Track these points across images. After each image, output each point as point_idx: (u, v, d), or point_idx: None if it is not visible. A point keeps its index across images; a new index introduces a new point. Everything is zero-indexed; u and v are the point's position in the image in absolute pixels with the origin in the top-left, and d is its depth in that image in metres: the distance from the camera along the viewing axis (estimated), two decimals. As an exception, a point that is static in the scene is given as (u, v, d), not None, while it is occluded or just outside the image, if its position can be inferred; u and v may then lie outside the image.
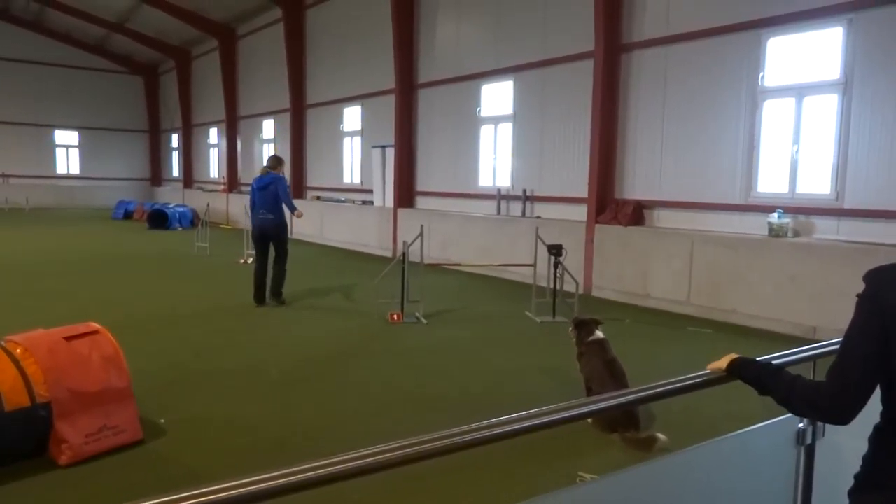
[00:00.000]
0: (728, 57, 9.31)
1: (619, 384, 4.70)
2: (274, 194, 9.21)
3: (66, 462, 4.14)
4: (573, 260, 9.83)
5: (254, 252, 9.96)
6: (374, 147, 16.62)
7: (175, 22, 23.68)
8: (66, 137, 31.20)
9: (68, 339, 4.41)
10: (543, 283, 9.22)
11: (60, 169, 31.25)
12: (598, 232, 10.76)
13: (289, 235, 9.73)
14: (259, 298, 9.47)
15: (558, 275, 8.82)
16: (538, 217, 12.18)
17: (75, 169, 31.58)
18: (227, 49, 24.16)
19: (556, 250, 8.81)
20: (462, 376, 6.38)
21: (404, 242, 8.93)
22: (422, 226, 9.64)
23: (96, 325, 4.65)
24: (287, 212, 9.45)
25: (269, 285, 9.51)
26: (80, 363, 4.34)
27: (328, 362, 6.78)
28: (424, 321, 8.52)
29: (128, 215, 24.85)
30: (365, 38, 16.85)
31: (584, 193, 11.10)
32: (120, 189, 30.40)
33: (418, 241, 9.07)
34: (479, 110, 13.77)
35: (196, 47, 27.33)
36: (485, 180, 13.87)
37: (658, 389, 2.09)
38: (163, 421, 4.89)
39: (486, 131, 13.77)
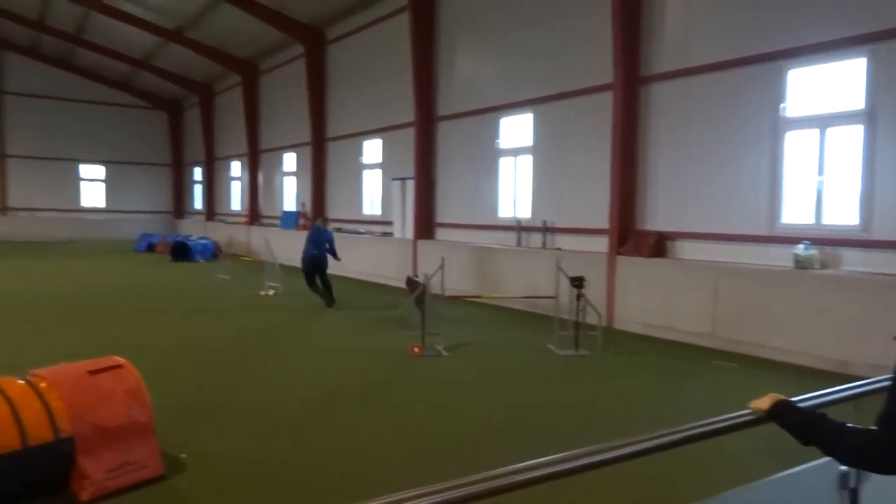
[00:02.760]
0: (749, 88, 9.28)
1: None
2: (327, 240, 12.32)
3: (88, 498, 4.12)
4: (595, 292, 9.72)
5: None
6: (395, 179, 16.73)
7: (199, 58, 24.22)
8: (92, 171, 31.85)
9: (92, 372, 4.41)
10: (566, 316, 9.12)
11: (85, 202, 31.84)
12: (619, 264, 10.66)
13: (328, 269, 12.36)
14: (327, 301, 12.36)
15: (580, 307, 8.73)
16: (558, 248, 12.11)
17: (100, 202, 32.17)
18: (249, 84, 24.62)
19: (578, 282, 8.72)
20: (482, 411, 6.29)
21: (425, 275, 8.90)
22: (442, 258, 9.60)
23: (120, 359, 4.65)
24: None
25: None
26: (104, 397, 4.33)
27: (349, 397, 6.73)
28: (445, 354, 8.44)
29: (151, 248, 25.06)
30: (385, 73, 17.08)
31: (604, 225, 11.03)
32: (143, 222, 30.83)
33: (438, 272, 9.03)
34: (499, 142, 13.83)
35: (219, 83, 27.90)
36: (504, 212, 13.88)
37: (694, 431, 1.97)
38: (184, 456, 4.86)
39: (505, 163, 13.82)
